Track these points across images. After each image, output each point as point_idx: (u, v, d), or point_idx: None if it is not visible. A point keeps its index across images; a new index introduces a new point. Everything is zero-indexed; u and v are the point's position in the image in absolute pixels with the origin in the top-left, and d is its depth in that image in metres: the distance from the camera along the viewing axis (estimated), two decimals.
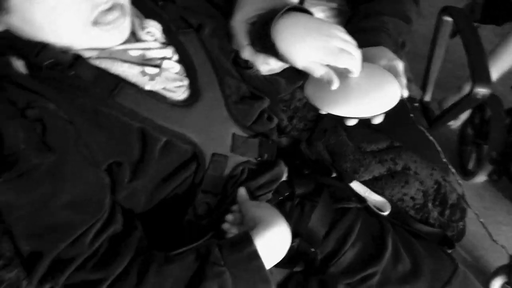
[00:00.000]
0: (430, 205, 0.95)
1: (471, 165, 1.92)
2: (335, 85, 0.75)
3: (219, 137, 0.77)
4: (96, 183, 0.68)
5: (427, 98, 1.53)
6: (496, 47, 1.62)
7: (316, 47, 0.74)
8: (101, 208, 0.67)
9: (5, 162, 0.62)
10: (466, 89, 1.49)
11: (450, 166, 0.91)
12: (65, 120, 0.66)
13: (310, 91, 0.81)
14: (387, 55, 0.85)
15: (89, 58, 0.69)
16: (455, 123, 1.86)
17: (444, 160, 0.89)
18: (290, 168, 0.89)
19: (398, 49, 0.97)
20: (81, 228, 0.65)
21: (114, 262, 0.65)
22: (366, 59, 0.78)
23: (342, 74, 0.77)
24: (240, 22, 0.82)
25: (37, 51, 0.65)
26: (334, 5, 1.14)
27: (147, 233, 0.73)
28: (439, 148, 0.88)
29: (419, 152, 0.99)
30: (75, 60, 0.67)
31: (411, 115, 0.86)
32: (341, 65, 0.75)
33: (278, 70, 0.89)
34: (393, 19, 0.97)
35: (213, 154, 0.76)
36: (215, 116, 0.77)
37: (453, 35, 1.45)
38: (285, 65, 0.86)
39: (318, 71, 0.75)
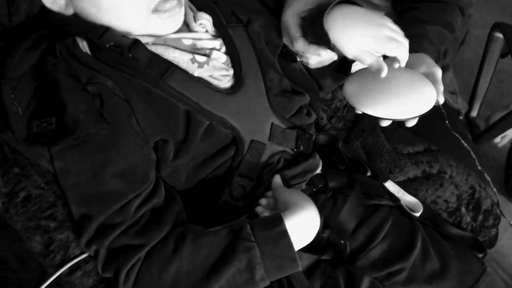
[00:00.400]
0: (463, 209, 0.96)
1: None
2: (385, 72, 0.75)
3: (258, 125, 0.82)
4: (144, 157, 0.74)
5: (473, 114, 1.51)
6: None
7: (366, 35, 0.76)
8: (146, 180, 0.73)
9: (65, 130, 0.69)
10: None
11: (485, 174, 0.91)
12: (121, 97, 0.73)
13: (348, 90, 0.83)
14: (426, 62, 0.86)
15: (146, 43, 0.75)
16: (502, 141, 1.82)
17: (480, 168, 0.89)
18: (326, 163, 0.91)
19: (440, 57, 0.98)
20: (128, 197, 0.71)
21: (155, 231, 0.71)
22: (406, 64, 0.79)
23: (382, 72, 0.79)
24: (292, 16, 0.86)
25: (100, 34, 0.72)
26: (382, 12, 1.16)
27: (186, 210, 0.78)
28: (474, 156, 0.88)
29: (456, 158, 1.00)
30: (133, 44, 0.72)
31: (446, 122, 0.87)
32: (390, 53, 0.76)
33: (327, 63, 0.92)
34: (436, 27, 0.97)
35: (252, 141, 0.80)
36: (256, 105, 0.82)
37: (504, 54, 1.43)
38: (334, 57, 0.89)
39: (368, 59, 0.76)
